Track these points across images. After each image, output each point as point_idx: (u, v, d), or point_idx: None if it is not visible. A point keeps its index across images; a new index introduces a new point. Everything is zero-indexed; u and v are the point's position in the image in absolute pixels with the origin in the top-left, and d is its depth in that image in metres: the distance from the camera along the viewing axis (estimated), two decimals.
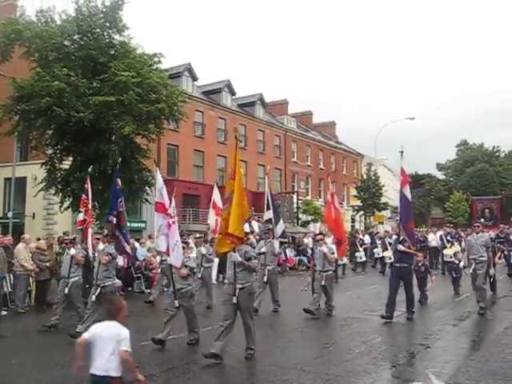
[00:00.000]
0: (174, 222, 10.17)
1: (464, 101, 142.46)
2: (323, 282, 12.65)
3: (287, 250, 25.96)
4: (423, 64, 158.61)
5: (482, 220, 35.36)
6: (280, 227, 14.51)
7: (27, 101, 19.91)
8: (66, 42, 21.16)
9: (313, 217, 39.59)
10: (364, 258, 26.35)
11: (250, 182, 44.08)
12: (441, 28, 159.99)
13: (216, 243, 9.98)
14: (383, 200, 50.00)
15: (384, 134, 52.63)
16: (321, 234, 15.24)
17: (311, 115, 61.37)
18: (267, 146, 47.72)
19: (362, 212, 50.23)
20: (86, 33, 21.17)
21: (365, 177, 50.00)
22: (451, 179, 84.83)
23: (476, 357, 8.65)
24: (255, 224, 31.28)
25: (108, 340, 5.08)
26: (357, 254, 26.26)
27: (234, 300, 8.68)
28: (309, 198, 48.85)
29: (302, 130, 55.27)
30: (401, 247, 12.01)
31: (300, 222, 38.49)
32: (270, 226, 14.75)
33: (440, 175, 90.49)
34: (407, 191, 12.41)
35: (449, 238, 23.51)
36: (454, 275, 16.66)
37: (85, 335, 5.19)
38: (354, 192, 51.59)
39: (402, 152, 11.90)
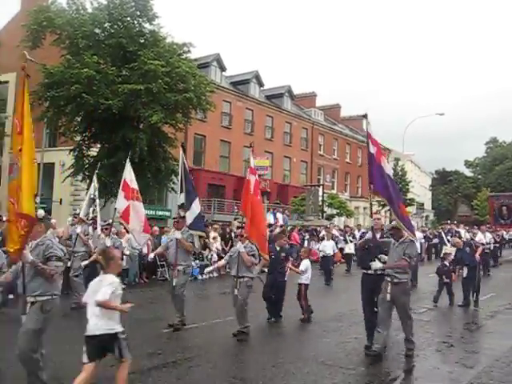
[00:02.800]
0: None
1: (494, 98, 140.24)
2: (235, 292, 9.73)
3: (312, 243, 24.83)
4: (456, 60, 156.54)
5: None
6: (192, 213, 10.67)
7: (57, 87, 20.13)
8: (97, 30, 21.31)
9: (338, 210, 39.29)
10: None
11: (275, 174, 44.04)
12: (471, 24, 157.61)
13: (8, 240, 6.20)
14: (409, 196, 49.53)
15: (413, 130, 52.25)
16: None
17: (339, 108, 60.91)
18: (294, 139, 47.53)
19: (387, 207, 49.78)
20: (117, 21, 21.30)
21: (392, 172, 49.55)
22: (479, 177, 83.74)
23: (500, 358, 8.52)
24: (280, 215, 31.30)
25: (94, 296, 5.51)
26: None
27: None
28: (334, 191, 48.54)
29: (329, 123, 54.92)
30: (377, 265, 8.39)
31: (325, 215, 38.23)
32: (182, 214, 11.00)
33: (468, 172, 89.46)
34: (386, 164, 9.02)
35: (449, 237, 21.95)
36: (445, 280, 14.10)
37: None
38: None
39: (365, 116, 9.40)
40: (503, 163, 77.23)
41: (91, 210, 13.59)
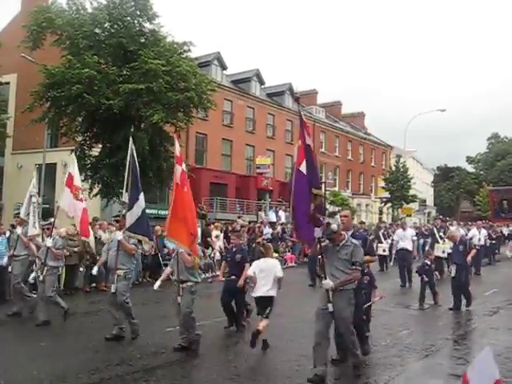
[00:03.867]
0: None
1: (496, 93, 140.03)
2: (179, 299, 8.51)
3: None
4: (457, 56, 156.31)
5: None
6: (132, 214, 9.42)
7: (58, 88, 20.14)
8: (97, 30, 21.31)
9: (340, 208, 39.29)
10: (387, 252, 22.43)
11: (277, 172, 44.03)
12: (472, 20, 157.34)
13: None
14: (411, 192, 49.51)
15: (414, 126, 52.26)
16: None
17: (340, 105, 60.89)
18: (295, 136, 47.34)
19: (389, 204, 49.85)
20: (117, 21, 21.30)
21: (393, 168, 49.54)
22: (481, 173, 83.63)
23: (503, 353, 8.52)
24: (282, 213, 31.33)
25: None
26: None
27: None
28: (336, 189, 48.55)
29: (330, 121, 54.89)
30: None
31: (327, 212, 38.29)
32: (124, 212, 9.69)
33: (470, 168, 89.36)
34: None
35: (441, 233, 19.93)
36: (425, 279, 13.33)
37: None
38: (382, 184, 51.14)
39: (297, 97, 8.67)
40: (505, 159, 77.17)
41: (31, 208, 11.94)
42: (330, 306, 6.90)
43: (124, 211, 9.59)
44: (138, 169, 9.86)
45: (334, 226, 7.07)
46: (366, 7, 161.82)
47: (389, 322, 11.13)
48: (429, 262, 13.53)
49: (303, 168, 6.98)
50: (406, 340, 9.38)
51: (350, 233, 7.81)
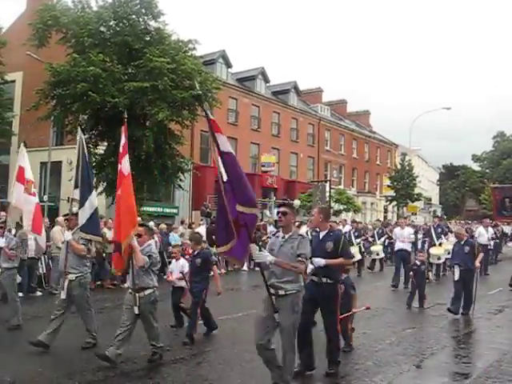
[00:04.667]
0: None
1: (502, 92, 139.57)
2: (136, 310, 7.43)
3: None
4: (463, 54, 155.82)
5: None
6: (84, 212, 8.46)
7: (63, 86, 20.21)
8: (102, 28, 21.36)
9: (345, 206, 39.24)
10: (382, 254, 21.55)
11: (282, 170, 44.00)
12: (478, 18, 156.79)
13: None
14: (417, 191, 49.43)
15: (420, 124, 52.12)
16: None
17: (345, 104, 60.81)
18: (300, 134, 47.48)
19: (394, 202, 49.78)
20: (122, 19, 21.34)
21: (399, 167, 49.47)
22: (487, 171, 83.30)
23: (509, 352, 8.50)
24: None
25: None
26: (373, 249, 21.66)
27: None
28: (341, 187, 48.49)
29: (335, 119, 54.84)
30: (320, 262, 6.98)
31: (332, 211, 38.26)
32: (75, 210, 8.76)
33: (476, 167, 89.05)
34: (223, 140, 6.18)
35: (439, 231, 18.86)
36: (413, 280, 12.76)
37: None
38: (387, 182, 51.06)
39: (198, 95, 7.54)
40: (511, 157, 76.81)
41: None
42: (276, 315, 6.05)
43: (75, 209, 8.66)
44: (88, 163, 8.91)
45: (297, 202, 7.45)
46: (371, 6, 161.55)
47: (393, 320, 11.12)
48: (419, 263, 12.75)
49: (225, 180, 6.15)
50: (410, 338, 9.37)
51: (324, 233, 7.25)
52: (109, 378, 6.86)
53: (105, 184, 21.65)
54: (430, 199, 71.07)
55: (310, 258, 6.64)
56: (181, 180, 23.52)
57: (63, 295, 8.34)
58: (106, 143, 22.30)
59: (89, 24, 20.56)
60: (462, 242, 12.01)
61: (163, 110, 19.87)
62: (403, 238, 16.76)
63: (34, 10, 21.87)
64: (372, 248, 21.51)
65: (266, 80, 45.32)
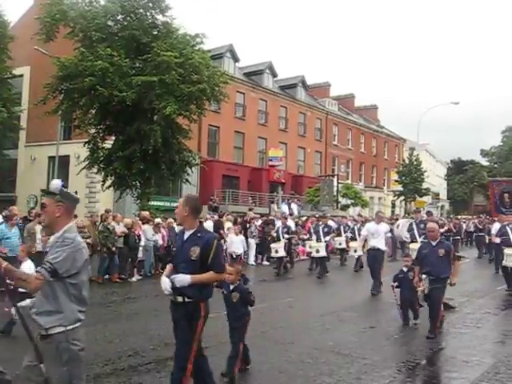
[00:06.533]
0: None
1: (511, 86, 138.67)
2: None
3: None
4: (472, 48, 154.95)
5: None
6: None
7: (71, 80, 20.25)
8: (110, 23, 21.38)
9: (353, 201, 39.17)
10: (360, 252, 18.54)
11: (290, 165, 43.95)
12: (487, 14, 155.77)
13: None
14: (425, 186, 49.27)
15: (428, 119, 52.01)
16: None
17: (353, 98, 60.63)
18: (308, 129, 47.41)
19: (402, 197, 49.66)
20: (130, 13, 21.35)
21: (407, 161, 49.32)
22: (495, 166, 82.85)
23: None
24: (294, 206, 31.29)
25: None
26: (350, 245, 20.27)
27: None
28: (349, 181, 48.43)
29: (343, 113, 54.70)
30: (183, 281, 5.15)
31: (340, 205, 38.16)
32: None
33: (484, 162, 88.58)
34: None
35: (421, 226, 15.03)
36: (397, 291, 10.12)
37: None
38: (394, 177, 50.92)
39: None
40: None
41: None
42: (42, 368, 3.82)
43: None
44: None
45: (56, 181, 4.22)
46: (373, 4, 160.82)
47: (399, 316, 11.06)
48: (405, 269, 9.90)
49: None
50: (418, 333, 9.33)
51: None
52: (117, 371, 6.87)
53: (112, 178, 21.69)
54: (438, 194, 70.79)
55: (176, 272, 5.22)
56: (188, 174, 23.53)
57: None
58: (113, 137, 22.33)
59: (96, 18, 20.57)
60: (435, 243, 9.04)
61: (171, 105, 19.86)
62: (378, 235, 13.90)
63: (42, 4, 21.88)
64: (350, 244, 20.33)
65: (274, 74, 45.24)
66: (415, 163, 48.33)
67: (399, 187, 49.05)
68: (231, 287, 6.86)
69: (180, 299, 5.26)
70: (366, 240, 15.42)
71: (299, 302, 12.06)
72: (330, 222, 20.85)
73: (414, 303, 9.77)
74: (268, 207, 34.27)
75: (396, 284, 9.98)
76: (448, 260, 8.86)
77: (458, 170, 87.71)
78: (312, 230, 18.67)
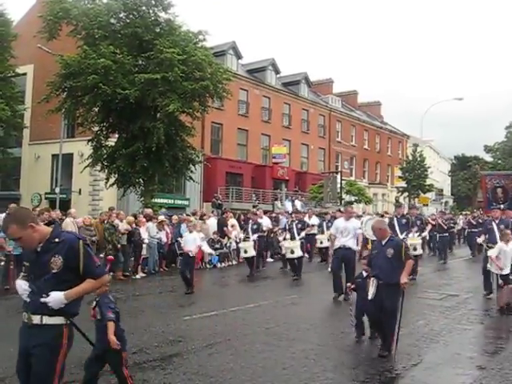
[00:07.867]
0: None
1: None
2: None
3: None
4: (475, 45, 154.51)
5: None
6: None
7: (74, 78, 20.29)
8: (112, 20, 21.40)
9: (356, 197, 39.08)
10: (327, 243, 17.78)
11: (293, 162, 43.95)
12: (491, 11, 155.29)
13: None
14: (428, 182, 49.17)
15: (432, 115, 51.75)
16: None
17: (356, 95, 60.53)
18: (311, 126, 47.37)
19: (406, 193, 49.57)
20: (132, 10, 21.36)
21: (410, 158, 49.23)
22: (499, 162, 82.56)
23: None
24: (298, 203, 31.26)
25: None
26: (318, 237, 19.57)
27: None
28: (353, 178, 48.36)
29: (346, 110, 54.63)
30: (56, 300, 3.98)
31: (343, 202, 38.10)
32: None
33: (488, 158, 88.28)
34: None
35: (403, 222, 14.43)
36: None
37: None
38: (398, 173, 50.83)
39: None
40: None
41: None
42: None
43: None
44: None
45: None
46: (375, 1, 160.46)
47: (404, 310, 11.02)
48: (365, 274, 8.21)
49: None
50: (423, 329, 9.31)
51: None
52: None
53: (116, 176, 21.71)
54: (442, 190, 70.68)
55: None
56: (192, 172, 23.55)
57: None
58: (116, 135, 22.35)
59: (99, 16, 20.59)
60: (384, 242, 7.86)
61: (174, 102, 19.87)
62: (348, 232, 12.38)
63: (45, 2, 21.89)
64: (317, 236, 19.55)
65: (277, 71, 45.20)
66: (419, 159, 48.22)
67: (403, 183, 48.98)
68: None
69: (37, 320, 4.06)
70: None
71: (303, 299, 12.05)
72: (314, 219, 20.68)
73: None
74: (272, 204, 34.27)
75: (353, 286, 8.76)
76: (399, 262, 7.56)
77: (462, 166, 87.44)
78: (286, 228, 16.97)
